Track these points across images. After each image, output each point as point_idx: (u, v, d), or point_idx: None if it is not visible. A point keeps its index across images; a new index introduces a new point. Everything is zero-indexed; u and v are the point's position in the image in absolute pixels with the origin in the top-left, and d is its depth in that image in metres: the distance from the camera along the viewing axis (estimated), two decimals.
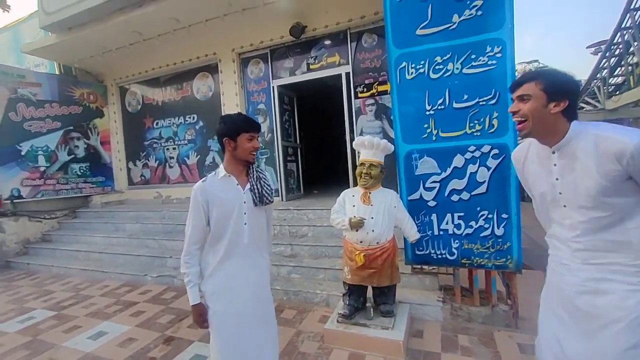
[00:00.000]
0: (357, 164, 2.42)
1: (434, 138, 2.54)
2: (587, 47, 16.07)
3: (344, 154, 5.01)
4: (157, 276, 3.84)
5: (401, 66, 2.59)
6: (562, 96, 1.07)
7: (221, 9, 4.59)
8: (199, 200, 1.46)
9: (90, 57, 5.94)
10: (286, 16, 4.71)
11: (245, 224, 1.49)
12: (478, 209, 2.46)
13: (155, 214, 5.23)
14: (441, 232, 2.59)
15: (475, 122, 2.41)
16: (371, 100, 4.67)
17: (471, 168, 2.45)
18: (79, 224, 5.80)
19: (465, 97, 2.41)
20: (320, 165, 9.51)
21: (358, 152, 2.54)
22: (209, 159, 5.92)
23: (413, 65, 2.54)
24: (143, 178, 6.68)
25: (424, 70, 2.51)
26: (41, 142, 5.66)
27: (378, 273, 2.32)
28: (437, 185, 2.56)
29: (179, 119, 6.17)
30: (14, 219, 5.39)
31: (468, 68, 2.40)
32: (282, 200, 5.22)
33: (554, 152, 1.15)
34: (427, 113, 2.53)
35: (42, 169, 5.67)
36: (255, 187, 1.50)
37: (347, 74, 4.76)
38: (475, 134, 2.42)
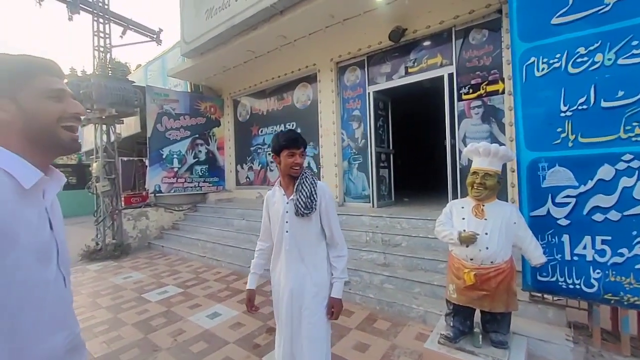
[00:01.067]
0: (469, 172, 2.20)
1: (570, 144, 2.12)
2: None
3: (440, 160, 4.67)
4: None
5: (529, 62, 2.25)
6: None
7: (324, 21, 4.84)
8: (264, 203, 1.74)
9: (213, 76, 7.04)
10: (386, 21, 4.68)
11: (286, 231, 1.59)
12: (634, 233, 1.94)
13: (257, 212, 5.80)
14: (575, 258, 2.14)
15: (635, 124, 1.92)
16: (478, 102, 4.23)
17: (625, 182, 1.96)
18: (198, 216, 6.89)
19: (621, 93, 1.94)
20: (412, 172, 9.08)
21: (468, 160, 2.31)
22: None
23: (545, 60, 2.18)
24: (248, 179, 7.53)
25: (560, 65, 2.13)
26: (176, 148, 6.95)
27: (491, 297, 2.04)
28: (573, 200, 2.13)
29: (279, 126, 6.76)
30: (155, 209, 6.74)
31: (626, 58, 1.93)
32: (373, 206, 5.16)
33: None
34: (562, 115, 2.13)
35: (175, 169, 6.94)
36: (295, 198, 1.56)
37: (450, 75, 4.42)
38: (633, 139, 1.93)
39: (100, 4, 6.30)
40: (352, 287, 3.32)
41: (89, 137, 7.51)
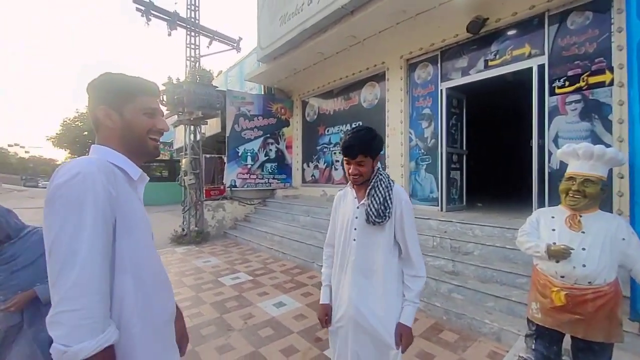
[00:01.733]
0: (564, 178, 1.92)
1: None
2: None
3: (522, 163, 4.15)
4: (322, 265, 4.35)
5: None
6: None
7: (395, 18, 4.72)
8: (334, 203, 1.56)
9: (285, 78, 7.43)
10: (464, 12, 4.35)
11: (354, 240, 1.40)
12: None
13: (322, 210, 5.96)
14: None
15: None
16: (576, 96, 3.65)
17: None
18: (267, 211, 7.36)
19: None
20: (488, 175, 8.28)
21: (560, 163, 2.01)
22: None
23: None
24: (313, 177, 7.77)
25: None
26: (250, 146, 7.54)
27: (586, 322, 1.75)
28: None
29: (345, 126, 6.81)
30: (230, 202, 7.41)
31: None
32: (441, 210, 4.86)
33: None
34: None
35: (249, 166, 7.53)
36: (366, 204, 1.36)
37: (541, 67, 3.91)
38: None
39: (192, 19, 7.18)
40: None
41: (179, 136, 8.64)
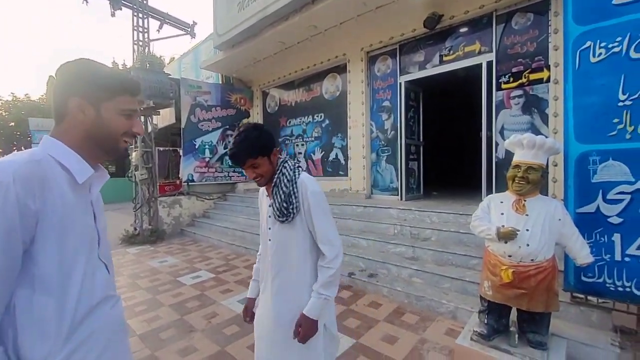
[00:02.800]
0: (511, 166, 2.08)
1: (627, 136, 1.95)
2: None
3: (473, 153, 4.46)
4: None
5: (583, 47, 2.08)
6: None
7: (356, 10, 4.74)
8: (258, 202, 1.50)
9: (244, 68, 7.15)
10: (421, 8, 4.50)
11: (269, 240, 1.33)
12: None
13: None
14: (627, 259, 2.00)
15: None
16: (519, 92, 3.98)
17: None
18: (227, 205, 7.12)
19: None
20: (442, 165, 8.80)
21: (506, 153, 2.19)
22: (333, 155, 6.27)
23: (603, 45, 2.01)
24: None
25: (621, 50, 1.95)
26: (208, 139, 7.18)
27: (529, 295, 1.94)
28: (627, 197, 1.97)
29: (308, 117, 6.77)
30: (187, 198, 7.04)
31: None
32: (401, 199, 5.07)
33: None
34: (621, 104, 1.96)
35: (207, 159, 7.19)
36: (271, 202, 1.29)
37: (489, 63, 4.19)
38: None
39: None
40: (379, 280, 3.30)
41: None
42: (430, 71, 4.83)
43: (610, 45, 1.99)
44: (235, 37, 6.18)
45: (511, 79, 4.05)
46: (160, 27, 7.41)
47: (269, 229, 1.34)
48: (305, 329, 1.22)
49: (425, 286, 3.06)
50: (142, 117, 6.37)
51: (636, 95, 1.90)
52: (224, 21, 6.43)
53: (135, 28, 6.52)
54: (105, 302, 0.85)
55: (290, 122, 7.20)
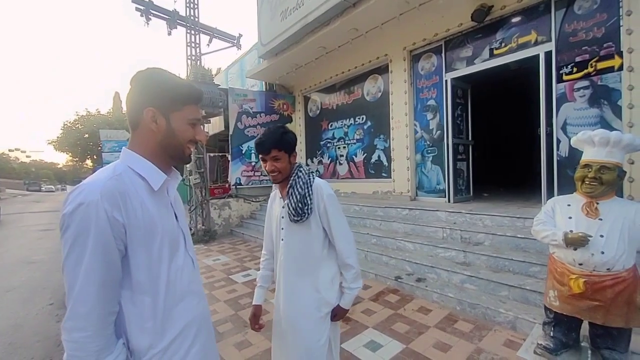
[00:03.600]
0: (579, 165, 1.91)
1: None
2: None
3: (529, 152, 4.13)
4: None
5: None
6: None
7: (398, 9, 4.67)
8: (267, 208, 1.58)
9: (286, 74, 7.38)
10: (468, 0, 4.30)
11: (282, 239, 1.42)
12: None
13: None
14: None
15: None
16: (584, 83, 3.61)
17: None
18: None
19: None
20: (494, 165, 8.26)
21: (570, 151, 2.01)
22: (375, 157, 6.21)
23: None
24: (318, 173, 7.76)
25: None
26: (253, 144, 7.52)
27: (605, 308, 1.77)
28: None
29: (349, 120, 6.78)
30: (235, 200, 7.43)
31: None
32: (448, 201, 4.86)
33: None
34: None
35: (253, 163, 7.53)
36: (286, 203, 1.37)
37: (548, 54, 3.87)
38: None
39: (192, 17, 7.13)
40: (428, 284, 3.19)
41: None
42: (479, 66, 4.58)
43: None
44: (278, 46, 6.42)
45: (575, 69, 3.69)
46: (210, 41, 7.95)
47: (282, 229, 1.42)
48: (340, 316, 1.43)
49: (480, 293, 2.90)
50: None
51: None
52: (268, 31, 6.72)
53: (189, 44, 7.08)
54: (191, 297, 0.94)
55: (331, 125, 7.27)
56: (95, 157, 29.37)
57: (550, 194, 3.70)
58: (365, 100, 6.42)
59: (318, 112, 7.71)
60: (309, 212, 1.33)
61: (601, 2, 3.48)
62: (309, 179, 1.37)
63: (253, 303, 1.55)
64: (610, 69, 3.43)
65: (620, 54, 3.34)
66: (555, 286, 1.94)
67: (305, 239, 1.38)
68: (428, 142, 5.24)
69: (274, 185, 1.48)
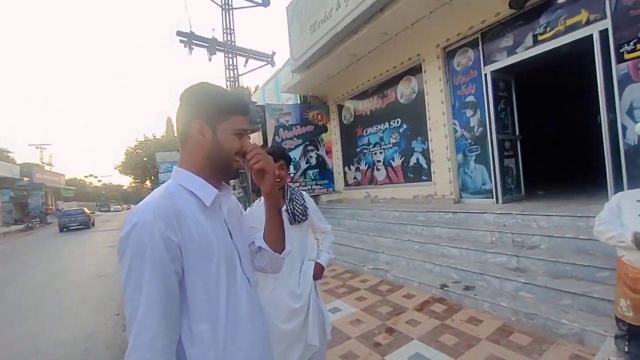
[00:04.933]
0: None
1: None
2: None
3: (589, 142, 3.69)
4: (372, 268, 4.27)
5: None
6: None
7: (428, 7, 4.56)
8: (246, 221, 1.68)
9: (319, 85, 7.54)
10: None
11: None
12: None
13: (366, 212, 5.87)
14: None
15: None
16: None
17: None
18: None
19: None
20: (549, 160, 7.53)
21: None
22: (413, 160, 6.01)
23: None
24: (355, 180, 7.72)
25: None
26: (291, 155, 7.73)
27: None
28: None
29: (384, 124, 6.68)
30: None
31: None
32: (497, 202, 4.51)
33: None
34: None
35: (291, 175, 7.73)
36: (289, 207, 1.72)
37: (603, 32, 3.47)
38: None
39: (229, 42, 7.65)
40: (478, 293, 2.97)
41: None
42: (521, 55, 4.24)
43: None
44: (310, 59, 6.59)
45: (638, 46, 3.25)
46: (247, 62, 8.46)
47: None
48: (320, 273, 1.82)
49: (538, 302, 2.62)
50: None
51: None
52: (299, 45, 6.94)
53: (227, 67, 7.59)
54: (252, 321, 0.88)
55: (366, 132, 7.22)
56: (153, 177, 32.46)
57: (618, 188, 3.25)
58: (399, 103, 6.29)
59: (352, 119, 7.71)
60: (308, 216, 1.79)
61: None
62: (301, 192, 1.85)
63: None
64: None
65: None
66: (628, 294, 1.70)
67: (301, 235, 1.80)
68: (470, 141, 4.95)
69: (259, 200, 1.76)
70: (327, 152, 8.18)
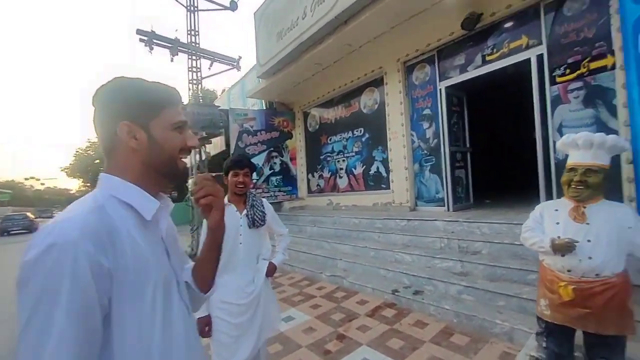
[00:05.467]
0: (566, 169, 1.86)
1: None
2: None
3: (529, 156, 4.03)
4: (330, 275, 4.29)
5: None
6: None
7: (389, 22, 4.76)
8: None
9: (285, 92, 7.54)
10: (457, 10, 4.34)
11: (240, 243, 1.81)
12: None
13: (328, 219, 5.92)
14: None
15: None
16: (578, 84, 3.55)
17: None
18: None
19: None
20: (496, 171, 8.10)
21: (564, 155, 1.96)
22: (374, 168, 6.18)
23: None
24: (319, 187, 7.77)
25: None
26: (254, 161, 7.62)
27: (597, 316, 1.66)
28: None
29: (348, 133, 6.82)
30: None
31: None
32: (447, 210, 4.76)
33: None
34: None
35: (254, 181, 7.60)
36: (249, 212, 1.83)
37: (539, 57, 3.83)
38: None
39: (193, 44, 7.44)
40: (425, 297, 3.09)
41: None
42: (472, 73, 4.57)
43: None
44: (276, 65, 6.60)
45: (567, 71, 3.63)
46: (211, 65, 8.26)
47: (240, 235, 1.82)
48: (272, 271, 1.94)
49: (477, 304, 2.79)
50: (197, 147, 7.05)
51: None
52: (265, 51, 6.93)
53: (190, 69, 7.37)
54: (188, 356, 0.74)
55: (330, 139, 7.32)
56: None
57: (549, 198, 3.58)
58: (362, 113, 6.47)
59: (317, 126, 7.79)
60: (265, 221, 1.89)
61: (590, 2, 3.45)
62: (261, 200, 1.96)
63: (199, 316, 1.69)
64: (604, 69, 3.36)
65: (613, 53, 3.28)
66: (547, 294, 1.85)
67: (259, 238, 1.91)
68: (426, 152, 5.20)
69: (226, 202, 1.83)
70: (291, 159, 8.17)
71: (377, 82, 6.04)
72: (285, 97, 8.06)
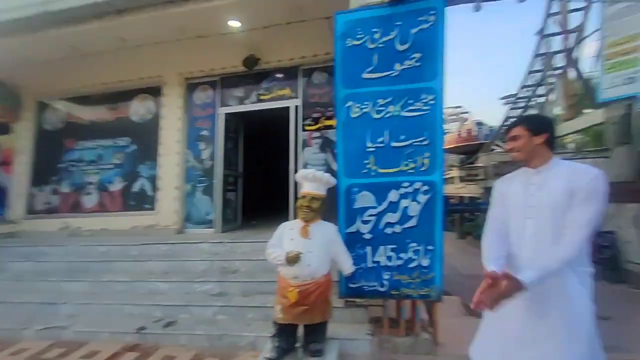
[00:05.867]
0: (299, 196, 2.35)
1: (372, 173, 2.61)
2: (500, 99, 19.03)
3: (286, 185, 4.91)
4: (41, 329, 3.04)
5: (347, 104, 2.71)
6: (541, 131, 1.41)
7: (173, 34, 4.49)
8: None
9: (9, 67, 5.18)
10: (240, 47, 4.75)
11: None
12: (408, 241, 2.53)
13: (57, 249, 4.34)
14: (374, 265, 2.59)
15: (410, 160, 2.55)
16: (317, 134, 4.76)
17: (404, 202, 2.54)
18: None
19: (402, 137, 2.57)
20: (263, 196, 9.27)
21: (299, 184, 2.48)
22: (137, 186, 5.30)
23: (358, 105, 2.68)
24: (48, 205, 5.69)
25: (368, 110, 2.66)
26: None
27: (310, 310, 2.16)
28: (374, 218, 2.59)
29: (107, 140, 5.55)
30: None
31: (406, 111, 2.58)
32: (216, 231, 4.84)
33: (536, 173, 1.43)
34: (368, 150, 2.64)
35: None
36: None
37: (296, 107, 4.84)
38: (409, 171, 2.55)
39: None
40: (177, 327, 2.84)
41: None
42: (248, 107, 5.08)
43: (362, 106, 2.67)
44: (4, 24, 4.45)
45: (312, 123, 4.80)
46: None
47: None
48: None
49: (230, 322, 2.88)
50: None
51: (376, 145, 2.62)
52: None
53: None
54: None
55: (80, 145, 5.68)
56: None
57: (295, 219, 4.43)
58: (131, 121, 5.51)
59: (62, 126, 5.85)
60: None
61: (327, 78, 4.77)
62: None
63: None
64: (331, 127, 4.66)
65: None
66: (281, 300, 2.19)
67: None
68: (199, 172, 5.12)
69: None
70: (1, 164, 5.59)
71: (154, 91, 5.42)
72: (9, 75, 5.56)
